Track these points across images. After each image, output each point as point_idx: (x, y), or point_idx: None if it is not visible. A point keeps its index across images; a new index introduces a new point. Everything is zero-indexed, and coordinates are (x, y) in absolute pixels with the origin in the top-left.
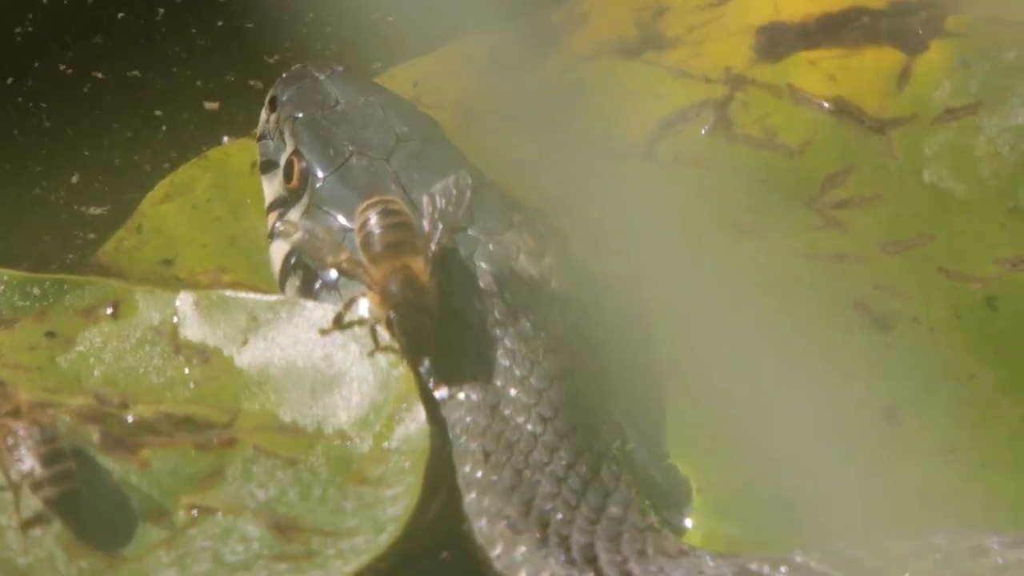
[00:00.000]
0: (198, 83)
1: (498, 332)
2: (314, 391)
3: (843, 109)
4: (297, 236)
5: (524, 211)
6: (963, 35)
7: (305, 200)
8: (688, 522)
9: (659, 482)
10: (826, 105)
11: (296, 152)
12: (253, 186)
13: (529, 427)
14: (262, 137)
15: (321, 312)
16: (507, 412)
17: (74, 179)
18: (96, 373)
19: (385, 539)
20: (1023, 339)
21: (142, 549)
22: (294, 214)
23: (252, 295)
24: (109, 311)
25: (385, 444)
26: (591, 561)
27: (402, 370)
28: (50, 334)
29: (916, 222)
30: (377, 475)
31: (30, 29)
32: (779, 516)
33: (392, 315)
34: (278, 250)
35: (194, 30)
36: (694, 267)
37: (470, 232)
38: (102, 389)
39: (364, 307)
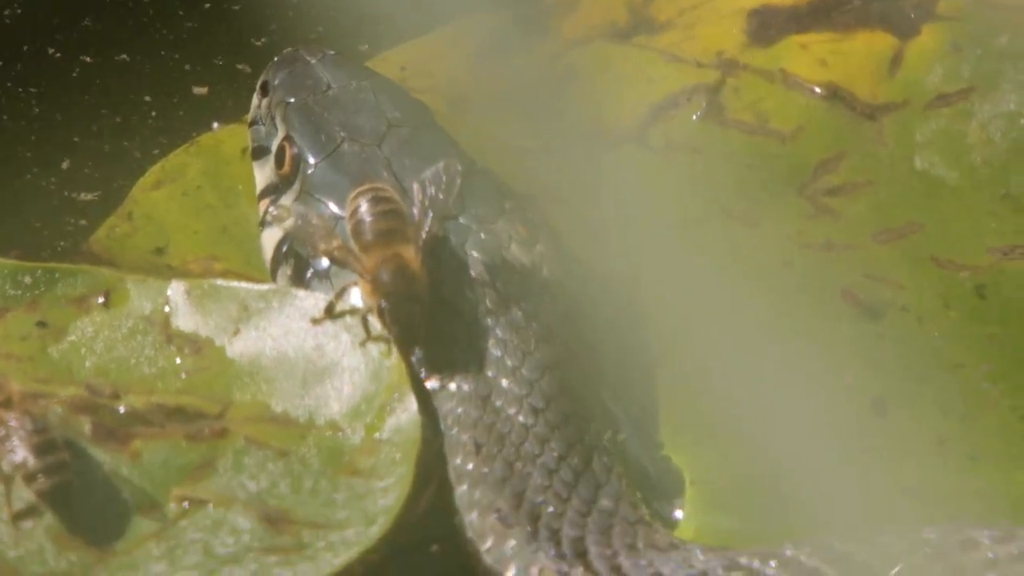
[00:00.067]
0: (186, 67)
1: (489, 322)
2: (305, 381)
3: (835, 94)
4: (290, 222)
5: (515, 198)
6: (955, 19)
7: (297, 186)
8: (679, 514)
9: (651, 473)
10: (818, 90)
11: (288, 138)
12: (244, 172)
13: (520, 418)
14: (254, 122)
15: (313, 301)
16: (498, 403)
17: (64, 165)
18: (88, 363)
19: (375, 531)
20: (1013, 329)
21: (133, 541)
22: (286, 200)
23: (244, 284)
24: (101, 300)
25: (376, 435)
26: (581, 555)
27: (394, 360)
28: (42, 324)
29: (907, 209)
30: (368, 466)
31: (19, 12)
32: (771, 508)
33: (384, 304)
34: (269, 238)
35: (181, 12)
36: (685, 255)
37: (461, 220)
38: (94, 379)
39: (356, 296)
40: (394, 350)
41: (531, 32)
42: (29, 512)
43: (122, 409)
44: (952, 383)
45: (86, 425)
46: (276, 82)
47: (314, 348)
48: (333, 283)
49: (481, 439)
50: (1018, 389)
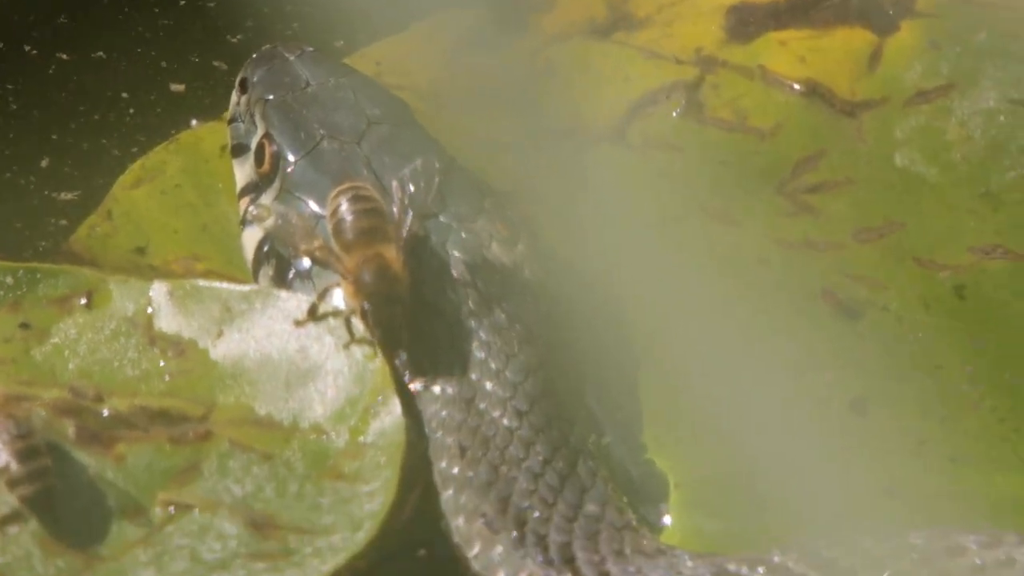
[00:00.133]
0: (163, 64)
1: (472, 323)
2: (289, 384)
3: (814, 91)
4: (270, 221)
5: (495, 196)
6: (933, 16)
7: (277, 185)
8: (667, 519)
9: (635, 477)
10: (797, 87)
11: (267, 135)
12: (224, 170)
13: (505, 421)
14: (233, 120)
15: (295, 303)
16: (482, 406)
17: (43, 163)
18: (71, 366)
19: (362, 537)
20: (992, 329)
21: (119, 547)
22: (266, 199)
23: (226, 285)
24: (83, 301)
25: (361, 438)
26: (569, 561)
27: (378, 363)
28: (24, 325)
29: (887, 207)
30: (353, 470)
31: None
32: (755, 509)
33: (366, 306)
34: (250, 238)
35: (157, 9)
36: (663, 253)
37: (442, 218)
38: (77, 382)
39: (338, 297)
40: (378, 353)
41: (509, 28)
42: (14, 517)
43: (106, 412)
44: (932, 384)
45: (70, 428)
46: (255, 79)
47: (297, 350)
48: (315, 283)
49: (466, 442)
50: (998, 391)
